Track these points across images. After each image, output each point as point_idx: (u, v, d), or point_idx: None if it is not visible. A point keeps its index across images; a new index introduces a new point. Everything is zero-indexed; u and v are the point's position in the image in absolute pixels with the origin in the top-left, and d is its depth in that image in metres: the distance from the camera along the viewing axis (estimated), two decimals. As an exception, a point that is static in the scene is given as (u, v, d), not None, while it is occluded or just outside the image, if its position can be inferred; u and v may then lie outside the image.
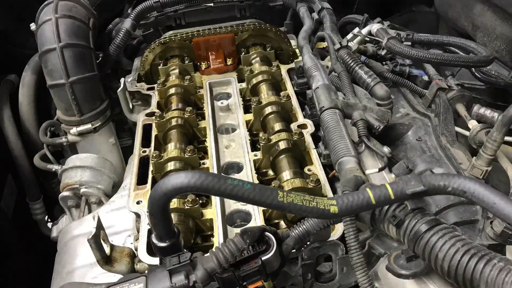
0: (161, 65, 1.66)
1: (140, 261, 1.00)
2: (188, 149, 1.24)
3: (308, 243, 0.94)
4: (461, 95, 1.30)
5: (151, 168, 1.26)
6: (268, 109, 1.40)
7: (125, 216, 1.26)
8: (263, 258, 0.80)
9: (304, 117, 1.40)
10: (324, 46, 1.66)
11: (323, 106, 1.17)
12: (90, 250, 0.93)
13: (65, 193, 1.48)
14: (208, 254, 0.80)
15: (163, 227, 0.78)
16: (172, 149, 1.28)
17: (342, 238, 0.93)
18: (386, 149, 1.14)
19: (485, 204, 0.73)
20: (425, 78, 1.47)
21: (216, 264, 0.78)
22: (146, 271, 0.90)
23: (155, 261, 0.97)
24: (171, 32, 1.76)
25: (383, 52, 1.50)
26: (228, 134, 1.43)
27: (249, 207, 1.14)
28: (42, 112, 1.80)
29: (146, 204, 1.11)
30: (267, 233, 0.83)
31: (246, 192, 0.71)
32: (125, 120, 1.67)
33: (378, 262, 0.96)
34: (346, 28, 1.77)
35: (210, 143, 1.35)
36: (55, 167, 1.58)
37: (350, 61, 1.40)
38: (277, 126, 1.35)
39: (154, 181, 1.22)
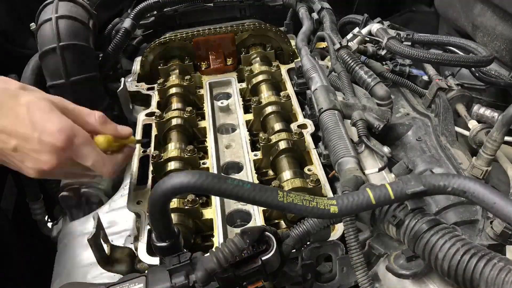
0: (161, 65, 1.66)
1: (140, 261, 1.00)
2: (188, 149, 1.24)
3: (308, 243, 0.94)
4: (461, 95, 1.30)
5: (151, 168, 1.26)
6: (268, 109, 1.40)
7: (125, 216, 1.26)
8: (263, 258, 0.80)
9: (304, 117, 1.40)
10: (324, 46, 1.66)
11: (322, 108, 1.17)
12: (90, 250, 0.93)
13: (65, 193, 1.47)
14: (208, 254, 0.80)
15: (163, 227, 0.78)
16: (172, 149, 1.28)
17: (342, 238, 0.93)
18: (386, 149, 1.14)
19: (485, 204, 0.73)
20: (425, 78, 1.47)
21: (216, 264, 0.78)
22: (146, 271, 0.90)
23: (155, 261, 0.97)
24: (171, 32, 1.76)
25: (383, 52, 1.50)
26: (228, 134, 1.43)
27: (249, 207, 1.14)
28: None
29: (146, 204, 1.11)
30: (267, 233, 0.83)
31: (246, 192, 0.71)
32: (125, 120, 1.67)
33: (378, 262, 0.96)
34: (346, 28, 1.77)
35: (210, 143, 1.35)
36: (55, 167, 1.58)
37: (350, 61, 1.40)
38: (277, 126, 1.35)
39: (154, 181, 1.22)
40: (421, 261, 0.83)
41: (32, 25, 1.53)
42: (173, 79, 1.57)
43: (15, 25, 1.91)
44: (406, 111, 1.37)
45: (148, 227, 1.05)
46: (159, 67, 1.66)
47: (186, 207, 1.09)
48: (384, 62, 1.52)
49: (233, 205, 1.15)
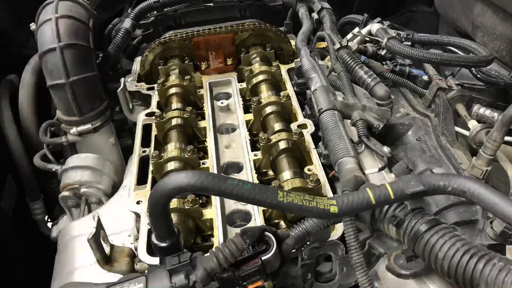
0: (161, 65, 1.66)
1: (140, 261, 1.00)
2: (188, 149, 1.24)
3: (308, 243, 0.94)
4: (461, 95, 1.30)
5: (151, 168, 1.26)
6: (268, 109, 1.40)
7: (125, 216, 1.26)
8: (263, 258, 0.80)
9: (304, 117, 1.40)
10: (324, 46, 1.66)
11: (322, 108, 1.17)
12: (90, 250, 0.93)
13: (65, 193, 1.48)
14: (208, 254, 0.80)
15: (163, 227, 0.78)
16: (172, 149, 1.28)
17: (342, 238, 0.93)
18: (386, 149, 1.14)
19: (484, 204, 0.73)
20: (425, 78, 1.47)
21: (216, 264, 0.78)
22: (146, 271, 0.90)
23: (155, 261, 0.97)
24: (171, 32, 1.76)
25: (383, 52, 1.50)
26: (228, 134, 1.43)
27: (249, 207, 1.14)
28: (42, 112, 1.80)
29: (146, 204, 1.11)
30: (267, 233, 0.83)
31: (246, 192, 0.71)
32: (125, 120, 1.67)
33: (378, 262, 0.96)
34: (346, 28, 1.77)
35: (210, 143, 1.35)
36: (55, 167, 1.58)
37: (350, 61, 1.40)
38: (277, 126, 1.35)
39: (154, 181, 1.22)
40: (421, 261, 0.83)
41: (32, 25, 1.53)
42: (173, 79, 1.57)
43: (15, 25, 1.91)
44: (406, 111, 1.37)
45: (148, 227, 1.05)
46: (159, 67, 1.65)
47: (186, 207, 1.09)
48: (384, 62, 1.52)
49: (233, 205, 1.15)
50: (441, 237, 0.76)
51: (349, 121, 1.21)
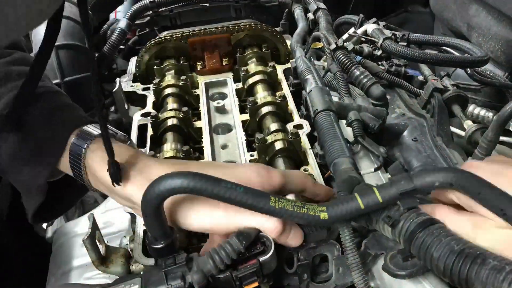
0: (156, 65, 1.66)
1: (135, 262, 1.00)
2: (184, 150, 1.23)
3: (304, 243, 0.94)
4: (457, 95, 1.30)
5: (146, 168, 1.25)
6: (264, 109, 1.40)
7: (120, 217, 1.26)
8: (261, 259, 0.80)
9: (300, 117, 1.40)
10: (320, 46, 1.66)
11: (317, 109, 1.17)
12: (85, 250, 0.92)
13: (60, 194, 1.47)
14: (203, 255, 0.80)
15: (157, 228, 0.77)
16: (167, 149, 1.28)
17: (338, 238, 0.93)
18: (381, 149, 1.14)
19: (470, 193, 0.73)
20: (421, 78, 1.48)
21: (212, 265, 0.77)
22: (141, 272, 0.89)
23: (151, 262, 0.97)
24: (166, 32, 1.75)
25: (378, 53, 1.50)
26: (224, 135, 1.43)
27: (245, 208, 1.13)
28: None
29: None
30: (264, 234, 0.83)
31: (239, 195, 0.71)
32: (120, 121, 1.66)
33: (374, 262, 0.96)
34: (342, 29, 1.77)
35: (206, 143, 1.35)
36: (50, 167, 1.57)
37: (346, 61, 1.40)
38: (273, 126, 1.35)
39: (150, 182, 1.22)
40: (417, 261, 0.83)
41: (27, 25, 1.52)
42: (169, 79, 1.57)
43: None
44: (401, 111, 1.37)
45: (144, 228, 1.05)
46: (155, 67, 1.65)
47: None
48: (379, 63, 1.52)
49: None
50: (437, 237, 0.76)
51: (344, 121, 1.21)
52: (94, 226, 0.93)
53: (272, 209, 0.73)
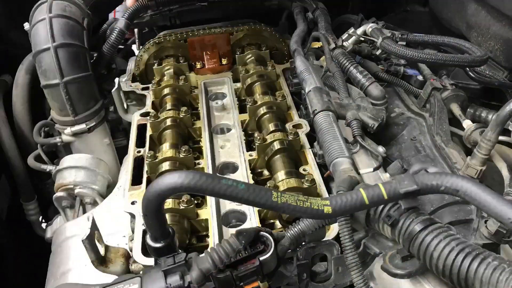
0: (155, 65, 1.66)
1: (135, 261, 1.00)
2: (183, 149, 1.23)
3: (303, 243, 0.94)
4: (456, 95, 1.30)
5: (145, 168, 1.25)
6: (263, 109, 1.40)
7: (119, 217, 1.25)
8: (261, 258, 0.80)
9: (300, 117, 1.40)
10: (319, 46, 1.66)
11: (316, 109, 1.17)
12: (84, 251, 0.92)
13: (59, 194, 1.47)
14: (203, 254, 0.80)
15: (157, 228, 0.77)
16: (166, 149, 1.27)
17: (337, 238, 0.93)
18: (381, 149, 1.14)
19: (477, 202, 0.73)
20: (420, 78, 1.47)
21: (211, 264, 0.77)
22: (141, 272, 0.89)
23: (150, 261, 0.97)
24: (165, 31, 1.75)
25: (377, 52, 1.50)
26: (223, 134, 1.42)
27: (244, 207, 1.14)
28: (36, 112, 1.79)
29: (141, 205, 1.11)
30: (264, 234, 0.83)
31: (240, 192, 0.71)
32: (119, 120, 1.66)
33: (373, 261, 0.96)
34: (341, 28, 1.77)
35: (205, 143, 1.35)
36: (49, 167, 1.58)
37: (345, 61, 1.40)
38: (272, 126, 1.35)
39: (149, 181, 1.22)
40: (416, 261, 0.83)
41: (26, 25, 1.53)
42: (168, 79, 1.57)
43: (9, 24, 1.89)
44: (401, 111, 1.37)
45: (143, 227, 1.05)
46: (154, 67, 1.65)
47: (181, 208, 1.09)
48: (379, 62, 1.52)
49: (228, 205, 1.15)
50: (436, 237, 0.76)
51: (343, 121, 1.21)
52: (94, 226, 0.93)
53: (275, 204, 0.73)
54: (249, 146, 1.34)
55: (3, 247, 1.79)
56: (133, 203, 1.14)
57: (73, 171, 1.48)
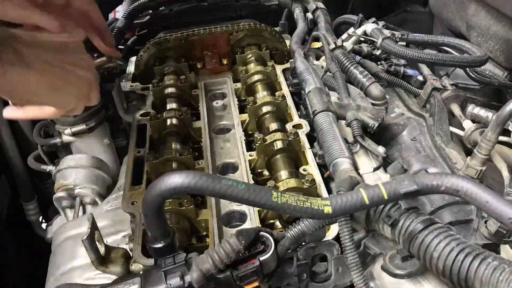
0: (156, 65, 1.66)
1: (135, 261, 1.00)
2: (183, 150, 1.23)
3: (303, 243, 0.94)
4: (456, 95, 1.30)
5: (145, 168, 1.25)
6: (263, 109, 1.40)
7: (119, 217, 1.25)
8: (261, 259, 0.80)
9: (300, 117, 1.40)
10: (319, 46, 1.66)
11: (316, 110, 1.17)
12: (84, 251, 0.92)
13: (59, 194, 1.47)
14: (203, 254, 0.80)
15: (158, 228, 0.77)
16: (167, 149, 1.27)
17: (338, 238, 0.93)
18: (381, 149, 1.14)
19: (477, 203, 0.73)
20: (420, 78, 1.48)
21: (211, 265, 0.78)
22: (141, 272, 0.89)
23: (150, 262, 0.97)
24: (166, 31, 1.75)
25: (377, 52, 1.50)
26: (223, 134, 1.43)
27: (244, 208, 1.14)
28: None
29: (141, 205, 1.11)
30: (264, 234, 0.83)
31: (241, 192, 0.71)
32: (119, 121, 1.66)
33: (373, 262, 0.96)
34: (341, 28, 1.77)
35: (205, 143, 1.35)
36: (49, 167, 1.57)
37: (345, 61, 1.40)
38: (273, 126, 1.35)
39: (149, 182, 1.22)
40: (416, 261, 0.83)
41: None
42: (168, 79, 1.57)
43: (9, 24, 1.89)
44: (401, 111, 1.37)
45: (143, 227, 1.05)
46: (154, 67, 1.65)
47: (181, 208, 1.09)
48: (379, 62, 1.52)
49: (228, 205, 1.15)
50: (436, 237, 0.77)
51: (344, 121, 1.21)
52: (93, 226, 0.93)
53: (275, 204, 0.73)
54: (249, 146, 1.34)
55: (3, 247, 1.79)
56: (133, 203, 1.14)
57: (73, 171, 1.48)
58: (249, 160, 1.27)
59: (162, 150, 1.28)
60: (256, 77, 1.55)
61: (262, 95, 1.48)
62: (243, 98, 1.56)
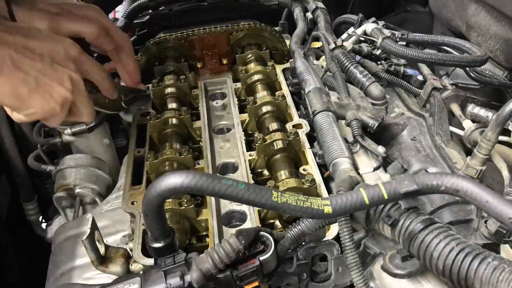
0: (155, 65, 1.66)
1: (135, 261, 1.00)
2: (183, 150, 1.23)
3: (303, 243, 0.94)
4: (456, 94, 1.30)
5: (145, 168, 1.25)
6: (263, 109, 1.40)
7: (119, 217, 1.25)
8: (261, 258, 0.80)
9: (300, 117, 1.40)
10: (319, 46, 1.66)
11: (316, 109, 1.17)
12: (84, 250, 0.92)
13: (59, 194, 1.47)
14: (203, 254, 0.80)
15: (157, 228, 0.77)
16: (166, 149, 1.27)
17: (337, 238, 0.93)
18: (381, 149, 1.14)
19: (477, 202, 0.73)
20: (420, 77, 1.47)
21: (211, 264, 0.78)
22: (141, 272, 0.89)
23: (150, 261, 0.97)
24: (166, 31, 1.75)
25: (377, 52, 1.50)
26: (223, 134, 1.42)
27: (244, 207, 1.14)
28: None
29: (141, 205, 1.11)
30: (264, 233, 0.83)
31: (241, 192, 0.71)
32: (119, 120, 1.66)
33: (373, 261, 0.96)
34: (341, 28, 1.77)
35: (205, 143, 1.35)
36: (49, 167, 1.57)
37: (345, 61, 1.40)
38: (272, 126, 1.35)
39: (149, 182, 1.22)
40: (416, 261, 0.83)
41: (26, 25, 1.52)
42: (168, 79, 1.57)
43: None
44: (401, 111, 1.37)
45: (143, 227, 1.05)
46: (154, 67, 1.65)
47: (181, 208, 1.09)
48: (379, 62, 1.52)
49: (228, 205, 1.15)
50: (436, 236, 0.77)
51: (343, 121, 1.21)
52: (93, 226, 0.93)
53: (275, 204, 0.73)
54: (249, 146, 1.34)
55: (3, 247, 1.79)
56: (133, 203, 1.14)
57: (73, 171, 1.48)
58: (249, 160, 1.27)
59: (162, 150, 1.28)
60: (256, 77, 1.55)
61: (262, 95, 1.48)
62: (243, 98, 1.56)
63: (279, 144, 1.23)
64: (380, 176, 1.10)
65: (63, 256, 1.24)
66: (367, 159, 1.15)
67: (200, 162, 1.27)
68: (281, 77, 1.59)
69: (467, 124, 1.20)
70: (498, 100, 1.62)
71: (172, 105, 1.48)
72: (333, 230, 1.00)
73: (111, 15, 2.20)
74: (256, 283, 0.82)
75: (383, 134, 1.27)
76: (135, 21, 1.89)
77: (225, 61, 1.70)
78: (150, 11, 1.91)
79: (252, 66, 1.60)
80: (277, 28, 1.86)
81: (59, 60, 0.97)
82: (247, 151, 1.30)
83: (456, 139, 1.26)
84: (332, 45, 1.46)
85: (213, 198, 1.15)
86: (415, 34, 1.49)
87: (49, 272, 1.24)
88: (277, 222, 1.13)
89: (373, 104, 1.28)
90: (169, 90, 1.52)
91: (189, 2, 1.90)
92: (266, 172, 1.27)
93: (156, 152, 1.25)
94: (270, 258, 0.81)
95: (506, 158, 1.13)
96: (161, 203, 0.74)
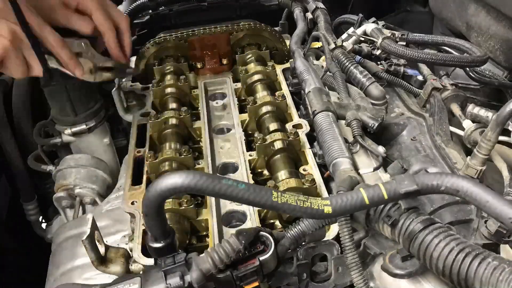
0: (156, 65, 1.66)
1: (135, 261, 1.00)
2: (183, 150, 1.23)
3: (303, 243, 0.94)
4: (456, 94, 1.30)
5: (145, 168, 1.25)
6: (263, 109, 1.40)
7: (119, 217, 1.25)
8: (261, 258, 0.80)
9: (300, 117, 1.40)
10: (319, 46, 1.66)
11: (315, 110, 1.17)
12: (84, 250, 0.92)
13: (59, 194, 1.47)
14: (203, 254, 0.80)
15: (157, 228, 0.77)
16: (167, 149, 1.28)
17: (337, 238, 0.93)
18: (381, 149, 1.14)
19: (477, 202, 0.73)
20: (420, 78, 1.48)
21: (211, 264, 0.78)
22: (141, 272, 0.90)
23: (150, 261, 0.97)
24: (166, 31, 1.75)
25: (377, 52, 1.50)
26: (223, 134, 1.43)
27: (244, 207, 1.14)
28: (36, 112, 1.79)
29: (141, 205, 1.11)
30: (264, 234, 0.83)
31: (241, 192, 0.71)
32: (119, 120, 1.66)
33: (373, 261, 0.96)
34: (341, 28, 1.77)
35: (205, 143, 1.35)
36: (49, 167, 1.58)
37: (345, 61, 1.40)
38: (272, 126, 1.35)
39: (149, 182, 1.22)
40: (416, 261, 0.83)
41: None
42: (168, 79, 1.57)
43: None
44: (401, 111, 1.37)
45: (143, 227, 1.05)
46: (154, 67, 1.65)
47: (181, 208, 1.09)
48: (379, 62, 1.52)
49: (228, 205, 1.15)
50: (436, 237, 0.77)
51: (343, 121, 1.21)
52: (93, 226, 0.93)
53: (275, 204, 0.73)
54: (249, 146, 1.34)
55: (3, 247, 1.79)
56: (133, 203, 1.14)
57: (73, 171, 1.48)
58: (249, 160, 1.27)
59: (162, 150, 1.28)
60: (256, 77, 1.55)
61: (262, 95, 1.48)
62: (243, 98, 1.56)
63: (279, 144, 1.23)
64: (380, 176, 1.10)
65: (63, 256, 1.24)
66: (367, 159, 1.15)
67: (200, 162, 1.27)
68: (281, 77, 1.59)
69: (467, 124, 1.20)
70: (498, 100, 1.62)
71: (172, 105, 1.48)
72: (333, 230, 1.00)
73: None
74: (256, 283, 0.82)
75: (383, 134, 1.27)
76: (135, 21, 1.89)
77: (225, 61, 1.71)
78: (150, 11, 1.91)
79: (252, 66, 1.60)
80: (277, 28, 1.86)
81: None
82: (247, 151, 1.30)
83: (456, 139, 1.26)
84: (332, 45, 1.46)
85: (213, 198, 1.15)
86: (415, 34, 1.49)
87: (49, 272, 1.24)
88: (277, 222, 1.13)
89: (373, 104, 1.28)
90: (169, 90, 1.52)
91: (189, 2, 1.90)
92: (266, 172, 1.27)
93: (156, 152, 1.25)
94: (270, 258, 0.81)
95: (506, 158, 1.13)
96: (161, 203, 0.74)
